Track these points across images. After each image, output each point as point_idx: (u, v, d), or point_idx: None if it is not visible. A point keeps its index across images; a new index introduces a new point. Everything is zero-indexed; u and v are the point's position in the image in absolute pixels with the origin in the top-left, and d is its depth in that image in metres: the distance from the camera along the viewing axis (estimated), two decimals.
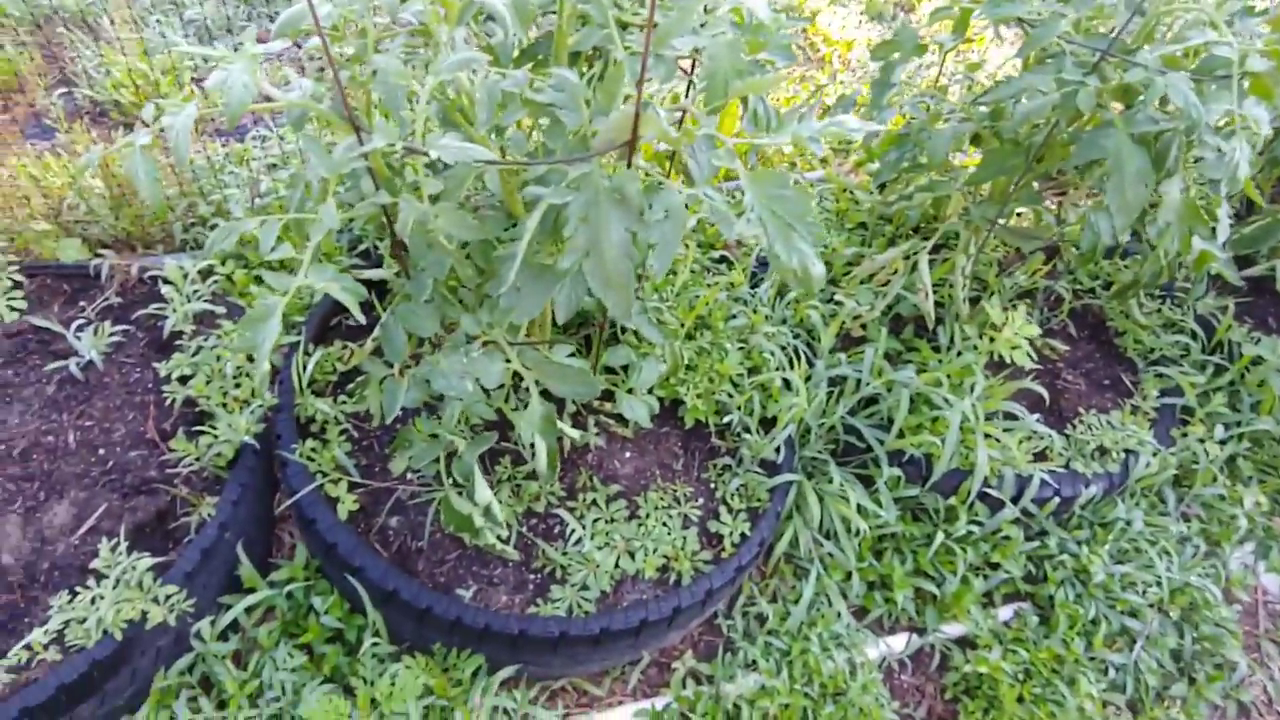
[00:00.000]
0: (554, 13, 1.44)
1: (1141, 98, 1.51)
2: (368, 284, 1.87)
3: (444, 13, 1.15)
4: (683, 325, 2.11)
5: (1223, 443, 2.28)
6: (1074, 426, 2.21)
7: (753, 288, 2.35)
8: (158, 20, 3.31)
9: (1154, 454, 2.18)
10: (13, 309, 2.08)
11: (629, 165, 1.23)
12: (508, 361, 1.50)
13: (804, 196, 1.17)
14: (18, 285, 2.12)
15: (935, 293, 2.25)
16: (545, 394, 1.55)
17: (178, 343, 2.04)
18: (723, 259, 2.48)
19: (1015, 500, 2.04)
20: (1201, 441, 2.26)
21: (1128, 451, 2.17)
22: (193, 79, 3.00)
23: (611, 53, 1.34)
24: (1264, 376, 2.30)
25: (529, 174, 1.32)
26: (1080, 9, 1.63)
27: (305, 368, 1.92)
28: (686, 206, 1.25)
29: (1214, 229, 1.90)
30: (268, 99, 1.26)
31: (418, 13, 1.18)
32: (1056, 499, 2.07)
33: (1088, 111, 1.56)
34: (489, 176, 1.39)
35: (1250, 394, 2.36)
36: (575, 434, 1.65)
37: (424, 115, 1.14)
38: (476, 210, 1.45)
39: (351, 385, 1.88)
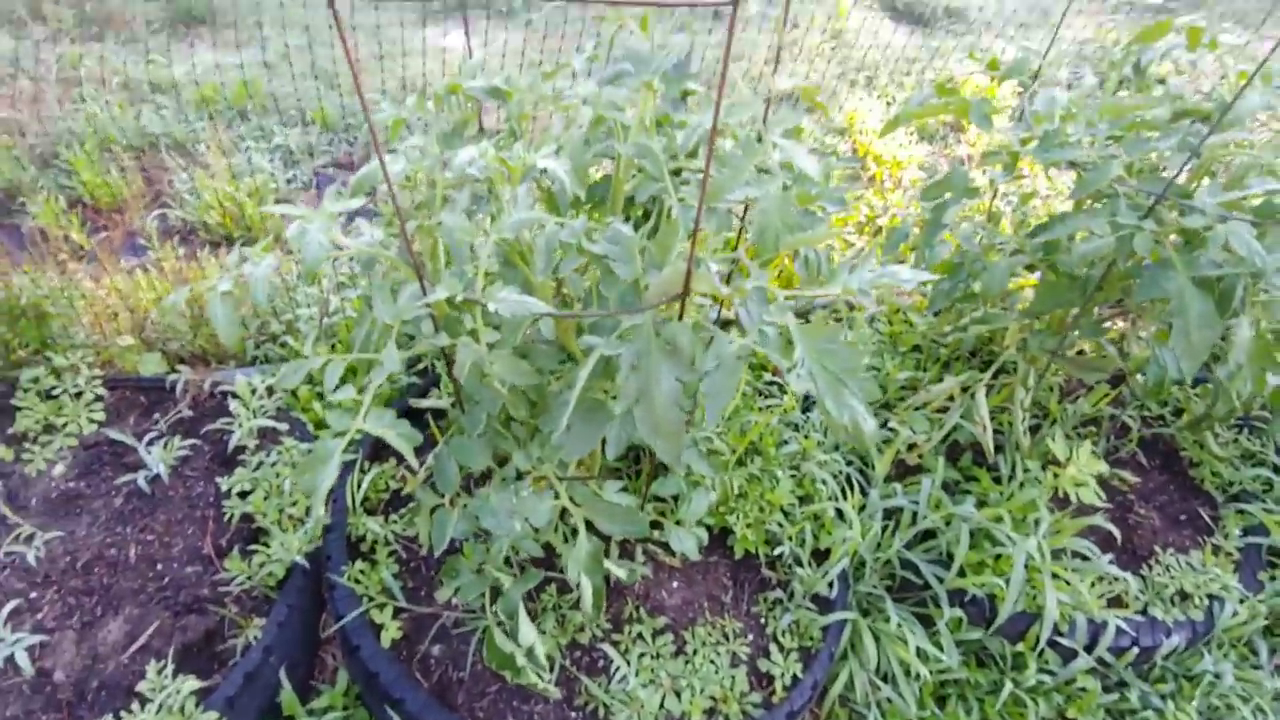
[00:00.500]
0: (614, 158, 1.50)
1: (1202, 242, 1.48)
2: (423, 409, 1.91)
3: (507, 173, 1.21)
4: (733, 451, 2.09)
5: None
6: (1150, 567, 2.09)
7: (804, 412, 2.33)
8: (248, 146, 3.58)
9: (1241, 600, 2.03)
10: (92, 420, 2.18)
11: (680, 317, 1.25)
12: (556, 497, 1.50)
13: (855, 351, 1.17)
14: (99, 399, 2.23)
15: (994, 420, 2.19)
16: (593, 529, 1.54)
17: (241, 457, 2.10)
18: (774, 382, 2.47)
19: (1089, 649, 1.91)
20: None
21: (1211, 597, 2.02)
22: (275, 199, 3.21)
23: (667, 204, 1.39)
24: None
25: (584, 320, 1.35)
26: (1133, 152, 1.63)
27: (360, 485, 1.96)
28: (739, 357, 1.26)
29: None
30: (339, 247, 1.33)
31: (483, 168, 1.24)
32: (1135, 649, 1.93)
33: (1145, 254, 1.54)
34: (544, 321, 1.43)
35: None
36: (622, 573, 1.63)
37: (484, 269, 1.19)
38: (532, 346, 1.49)
39: (404, 511, 1.90)
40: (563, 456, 1.40)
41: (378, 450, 2.12)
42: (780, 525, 2.01)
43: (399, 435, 1.15)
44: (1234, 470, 2.33)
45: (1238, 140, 1.52)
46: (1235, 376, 1.61)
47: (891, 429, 2.19)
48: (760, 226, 1.30)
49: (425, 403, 1.69)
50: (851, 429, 1.16)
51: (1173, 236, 1.62)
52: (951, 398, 2.12)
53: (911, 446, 2.15)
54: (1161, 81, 1.93)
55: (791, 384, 1.14)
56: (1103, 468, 1.88)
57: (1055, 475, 1.92)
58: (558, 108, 1.43)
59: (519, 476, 1.49)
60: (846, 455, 2.20)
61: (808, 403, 2.42)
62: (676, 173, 1.56)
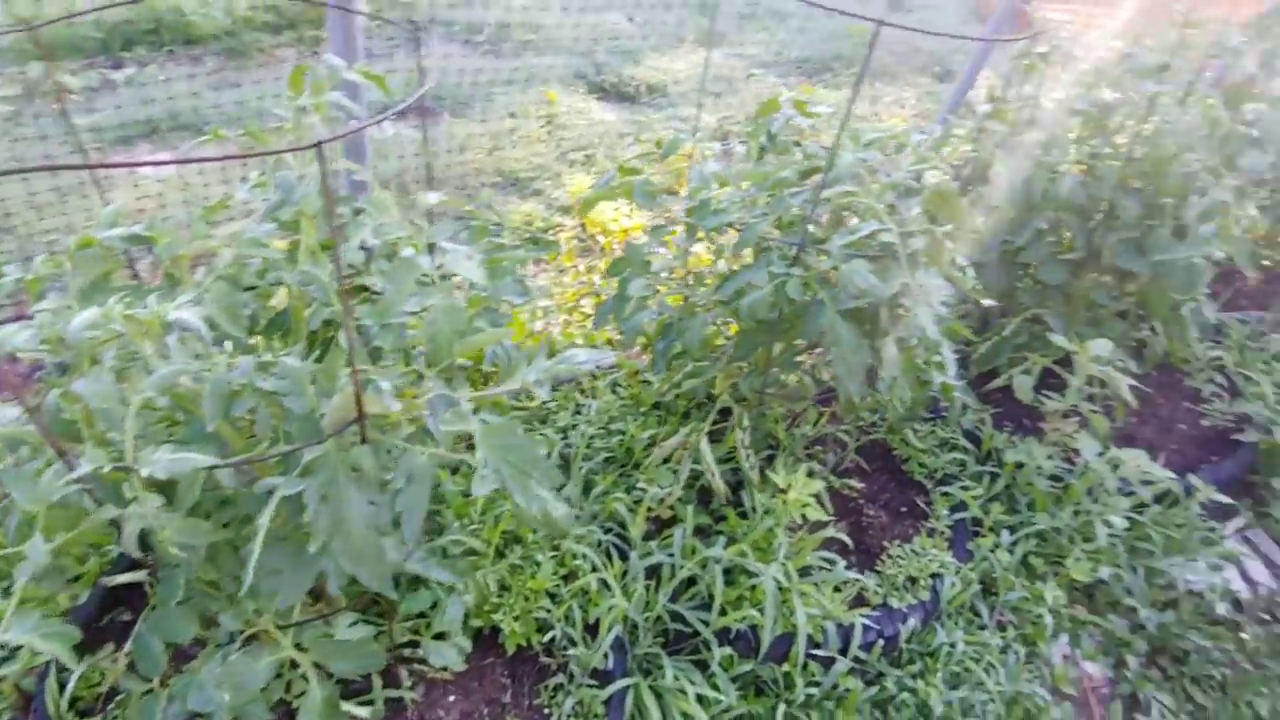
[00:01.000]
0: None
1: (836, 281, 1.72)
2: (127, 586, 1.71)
3: (145, 329, 1.15)
4: (490, 544, 2.08)
5: (1011, 547, 2.47)
6: (883, 562, 2.33)
7: (559, 489, 2.37)
8: None
9: (956, 572, 2.31)
10: None
11: (363, 440, 1.24)
12: (281, 650, 1.40)
13: (534, 443, 1.22)
14: None
15: (731, 460, 2.36)
16: (330, 672, 1.45)
17: None
18: None
19: (844, 651, 2.09)
20: (994, 550, 2.44)
21: (934, 576, 2.29)
22: None
23: (337, 329, 1.38)
24: (1029, 478, 2.55)
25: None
26: (776, 209, 1.87)
27: (65, 686, 1.70)
28: (431, 469, 1.26)
29: (942, 363, 2.15)
30: None
31: (114, 328, 1.17)
32: (881, 640, 2.13)
33: (798, 298, 1.76)
34: (227, 470, 1.35)
35: (1023, 494, 2.59)
36: (364, 713, 1.54)
37: (131, 433, 1.11)
38: (223, 499, 1.39)
39: (115, 704, 1.68)
40: (279, 604, 1.32)
41: (95, 635, 1.87)
42: (548, 610, 2.01)
43: (47, 638, 1.03)
44: (935, 458, 2.68)
45: (848, 190, 1.79)
46: (893, 387, 1.86)
47: (640, 488, 2.29)
48: (430, 336, 1.33)
49: (121, 578, 1.53)
50: (542, 518, 1.20)
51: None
52: (685, 447, 2.26)
53: (661, 501, 2.25)
54: (798, 143, 2.24)
55: (474, 488, 1.16)
56: (818, 486, 2.09)
57: (784, 502, 2.10)
58: (208, 248, 1.38)
59: (232, 639, 1.38)
60: (604, 524, 2.26)
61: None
62: (360, 290, 1.56)
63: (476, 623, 1.98)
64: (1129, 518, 2.53)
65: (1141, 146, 2.53)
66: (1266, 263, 3.86)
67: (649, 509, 2.26)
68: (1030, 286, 2.79)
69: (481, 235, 1.76)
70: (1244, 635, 2.53)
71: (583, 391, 2.81)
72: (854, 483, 2.59)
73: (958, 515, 2.51)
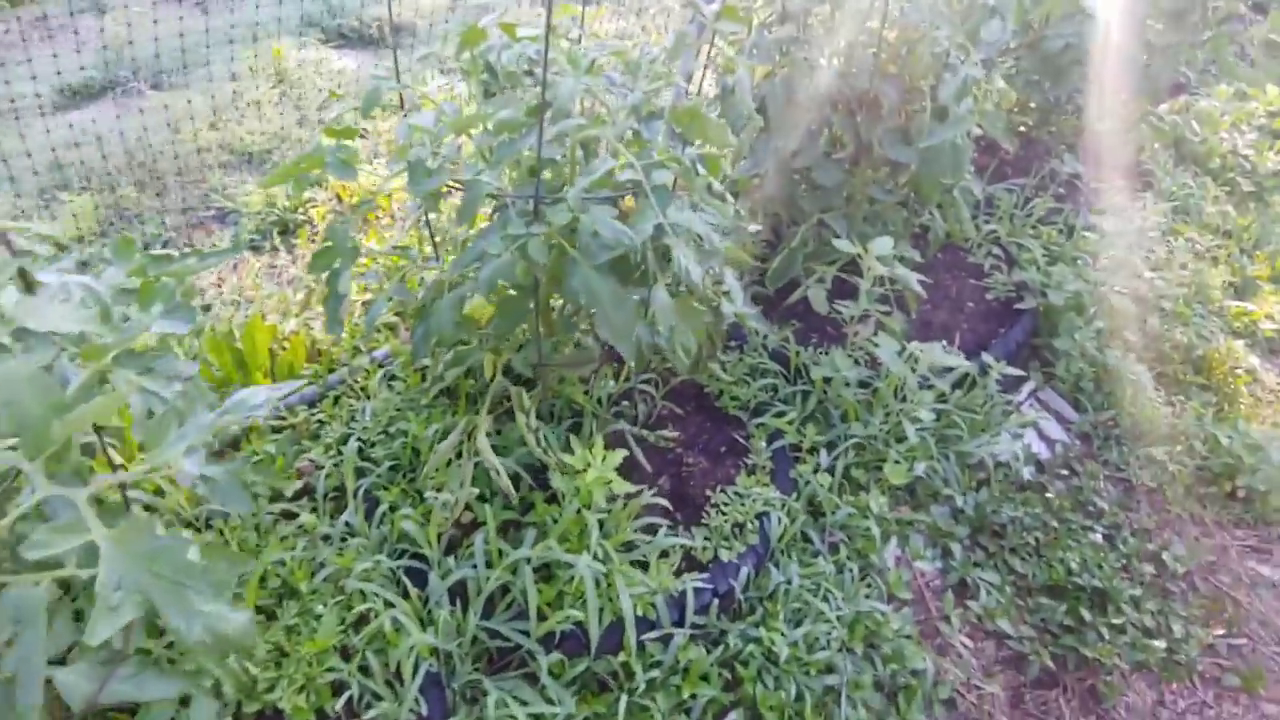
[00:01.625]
0: None
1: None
2: None
3: None
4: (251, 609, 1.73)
5: (831, 466, 2.41)
6: (708, 513, 2.19)
7: (334, 517, 2.04)
8: None
9: (782, 506, 2.22)
10: None
11: None
12: None
13: (184, 542, 0.90)
14: None
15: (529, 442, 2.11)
16: None
17: None
18: (297, 494, 2.14)
19: (679, 623, 1.94)
20: (815, 473, 2.37)
21: (760, 516, 2.19)
22: None
23: None
24: (839, 391, 2.48)
25: None
26: (502, 158, 1.58)
27: None
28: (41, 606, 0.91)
29: (729, 292, 1.98)
30: None
31: None
32: (715, 599, 2.00)
33: (542, 259, 1.49)
34: None
35: (835, 408, 2.54)
36: None
37: None
38: None
39: None
40: None
41: None
42: (339, 670, 1.71)
43: None
44: (746, 387, 2.57)
45: (580, 124, 1.53)
46: (673, 336, 1.66)
47: (433, 496, 2.00)
48: (13, 418, 0.95)
49: None
50: (214, 640, 0.89)
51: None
52: (468, 440, 1.98)
53: (453, 507, 1.98)
54: (530, 73, 1.93)
55: (93, 629, 0.83)
56: (619, 457, 1.88)
57: (584, 484, 1.88)
58: None
59: None
60: (394, 548, 1.97)
61: (339, 498, 2.13)
62: None
63: (252, 708, 1.66)
64: (935, 410, 2.54)
65: (892, 29, 2.43)
66: (1022, 129, 4.03)
67: (444, 519, 1.98)
68: (811, 192, 2.68)
69: (127, 249, 1.35)
70: (1049, 495, 2.65)
71: (356, 394, 2.44)
72: (668, 432, 2.43)
73: (776, 444, 2.42)
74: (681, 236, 1.47)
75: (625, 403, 2.45)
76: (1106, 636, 2.28)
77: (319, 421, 2.38)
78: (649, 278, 1.67)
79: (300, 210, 3.43)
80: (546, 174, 1.57)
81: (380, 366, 2.50)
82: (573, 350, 1.99)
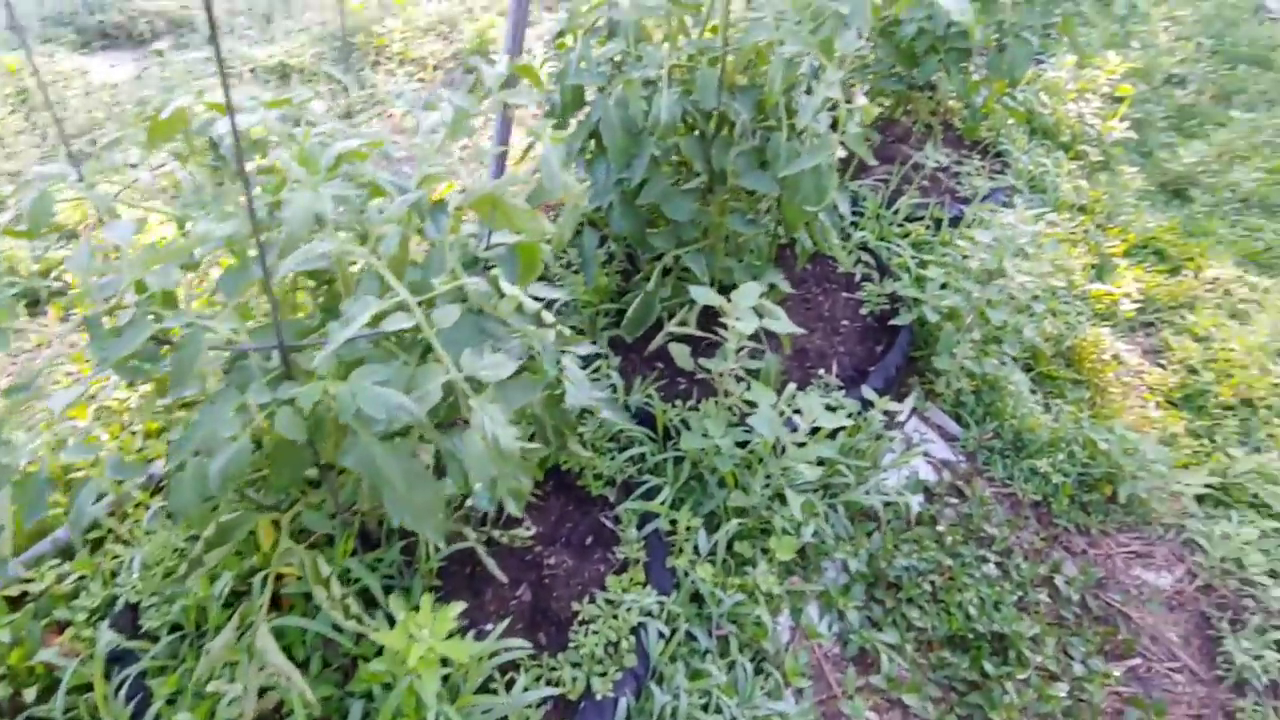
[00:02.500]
0: None
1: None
2: None
3: None
4: None
5: (713, 550, 2.14)
6: (576, 632, 1.87)
7: None
8: None
9: (661, 613, 1.93)
10: None
11: None
12: None
13: None
14: None
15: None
16: None
17: None
18: (45, 693, 1.66)
19: None
20: (693, 563, 2.09)
21: (636, 629, 1.89)
22: None
23: None
24: (713, 457, 2.20)
25: None
26: (228, 291, 1.15)
27: None
28: None
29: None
30: None
31: None
32: None
33: (302, 437, 1.09)
34: None
35: (712, 472, 2.26)
36: None
37: None
38: None
39: None
40: None
41: None
42: None
43: None
44: (611, 460, 2.25)
45: (322, 251, 1.12)
46: (496, 486, 1.30)
47: (215, 688, 1.57)
48: None
49: None
50: None
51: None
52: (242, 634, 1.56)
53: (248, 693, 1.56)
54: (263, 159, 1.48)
55: None
56: (449, 619, 1.52)
57: (403, 661, 1.51)
58: None
59: None
60: None
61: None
62: None
63: None
64: (821, 458, 2.30)
65: (734, 39, 2.10)
66: (879, 109, 3.84)
67: (237, 716, 1.56)
68: (662, 228, 2.35)
69: None
70: (940, 528, 2.49)
71: (123, 538, 1.95)
72: (524, 531, 2.08)
73: (649, 528, 2.12)
74: (485, 392, 1.10)
75: (469, 504, 2.08)
76: (1010, 691, 2.14)
77: (77, 579, 1.88)
78: (457, 425, 1.29)
79: (56, 274, 2.80)
80: (297, 311, 1.16)
81: (156, 490, 2.01)
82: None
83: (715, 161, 2.18)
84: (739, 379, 2.31)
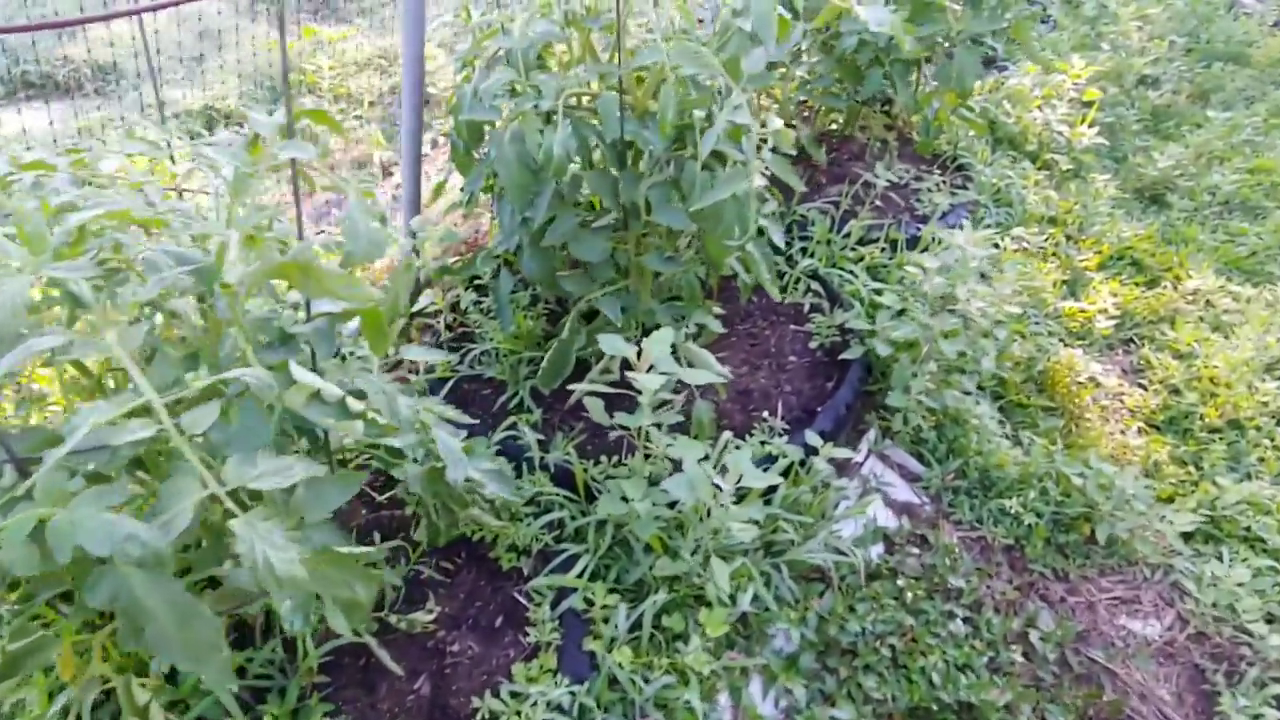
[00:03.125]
0: None
1: None
2: None
3: None
4: None
5: (636, 628, 1.92)
6: None
7: None
8: None
9: (573, 707, 1.71)
10: None
11: None
12: None
13: None
14: None
15: None
16: None
17: None
18: None
19: None
20: (612, 644, 1.87)
21: None
22: None
23: None
24: (635, 521, 1.99)
25: None
26: None
27: None
28: None
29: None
30: None
31: None
32: None
33: (35, 568, 0.89)
34: None
35: (637, 537, 2.05)
36: None
37: None
38: None
39: None
40: None
41: None
42: None
43: None
44: (526, 526, 2.04)
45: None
46: (330, 604, 1.09)
47: None
48: None
49: None
50: None
51: None
52: None
53: None
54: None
55: None
56: None
57: None
58: None
59: None
60: None
61: None
62: None
63: None
64: (757, 521, 2.09)
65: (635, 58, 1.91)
66: (832, 127, 3.66)
67: None
68: (575, 270, 2.16)
69: None
70: (900, 582, 2.27)
71: None
72: (423, 615, 1.86)
73: (565, 604, 1.90)
74: (258, 508, 0.90)
75: None
76: None
77: None
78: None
79: None
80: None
81: None
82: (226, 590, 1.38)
83: (624, 196, 1.99)
84: (670, 429, 2.10)
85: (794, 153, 2.17)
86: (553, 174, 1.86)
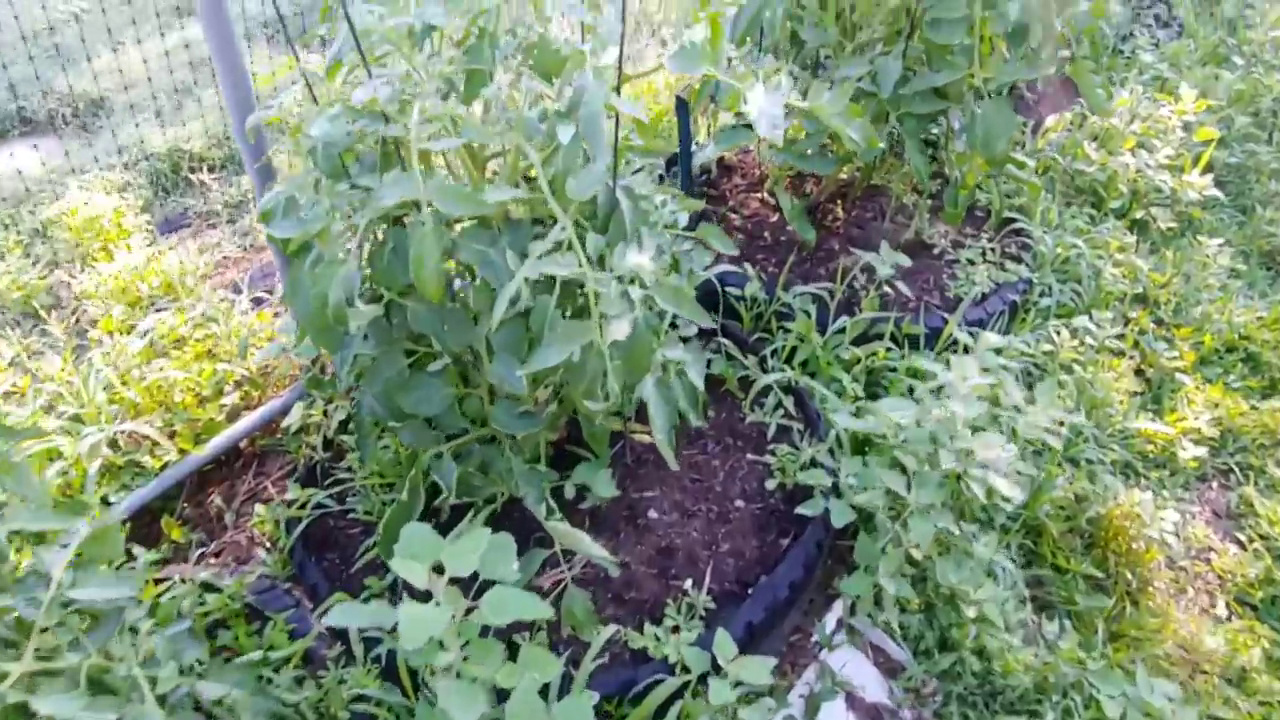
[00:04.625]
0: None
1: None
2: None
3: None
4: None
5: None
6: None
7: None
8: None
9: None
10: None
11: None
12: None
13: None
14: None
15: None
16: None
17: None
18: None
19: None
20: None
21: None
22: None
23: None
24: None
25: None
26: None
27: None
28: None
29: None
30: None
31: None
32: None
33: None
34: None
35: None
36: None
37: None
38: None
39: None
40: None
41: None
42: None
43: None
44: None
45: None
46: None
47: None
48: None
49: None
50: None
51: None
52: None
53: None
54: None
55: None
56: None
57: None
58: None
59: None
60: None
61: None
62: None
63: None
64: None
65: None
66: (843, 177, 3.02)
67: None
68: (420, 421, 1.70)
69: None
70: None
71: None
72: None
73: None
74: None
75: None
76: None
77: None
78: None
79: None
80: None
81: None
82: None
83: (453, 340, 1.51)
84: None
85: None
86: (333, 319, 1.41)
